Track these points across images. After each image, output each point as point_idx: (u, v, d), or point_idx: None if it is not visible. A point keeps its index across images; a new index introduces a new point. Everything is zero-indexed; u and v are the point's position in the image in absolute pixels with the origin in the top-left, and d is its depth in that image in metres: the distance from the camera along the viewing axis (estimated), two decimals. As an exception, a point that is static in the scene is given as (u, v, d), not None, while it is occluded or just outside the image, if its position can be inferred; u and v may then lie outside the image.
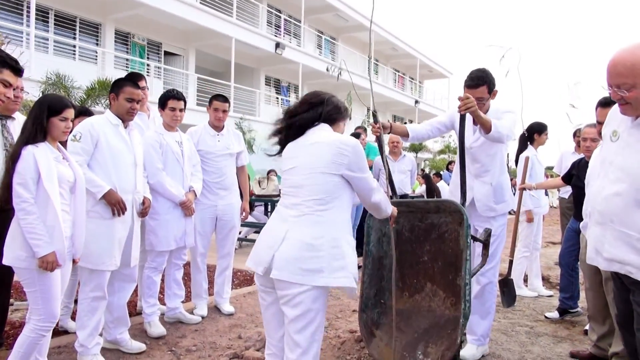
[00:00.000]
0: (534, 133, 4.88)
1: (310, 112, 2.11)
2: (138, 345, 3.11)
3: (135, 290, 3.68)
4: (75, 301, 3.37)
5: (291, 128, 2.13)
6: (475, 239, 2.82)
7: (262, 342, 3.22)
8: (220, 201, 3.90)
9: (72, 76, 9.06)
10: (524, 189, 4.38)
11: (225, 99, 3.96)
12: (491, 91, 2.91)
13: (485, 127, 2.74)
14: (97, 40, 13.20)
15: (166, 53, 15.21)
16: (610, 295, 2.62)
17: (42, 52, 11.40)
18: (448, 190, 3.41)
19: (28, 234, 2.24)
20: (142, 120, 3.72)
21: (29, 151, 2.28)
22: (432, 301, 2.74)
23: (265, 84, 19.26)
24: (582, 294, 3.97)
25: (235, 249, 4.96)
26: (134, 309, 3.80)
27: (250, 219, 7.21)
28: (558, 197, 5.99)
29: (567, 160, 5.11)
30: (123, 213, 2.87)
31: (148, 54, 14.57)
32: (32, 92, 6.42)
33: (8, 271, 2.60)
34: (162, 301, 3.82)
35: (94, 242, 2.74)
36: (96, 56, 12.87)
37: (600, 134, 2.36)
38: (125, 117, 2.98)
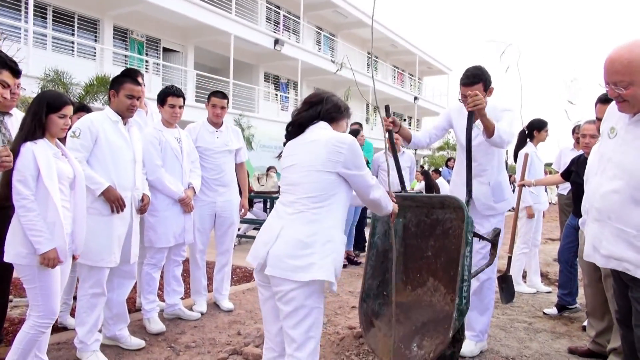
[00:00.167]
0: (534, 130, 4.89)
1: (309, 111, 2.15)
2: (137, 342, 3.12)
3: (135, 287, 3.69)
4: (74, 298, 3.38)
5: (292, 127, 2.17)
6: (482, 237, 2.84)
7: (261, 338, 3.23)
8: (219, 198, 3.90)
9: (70, 72, 9.04)
10: (524, 185, 4.39)
11: (224, 96, 3.95)
12: (487, 88, 2.90)
13: (488, 131, 2.75)
14: (95, 36, 13.16)
15: (165, 49, 15.16)
16: (610, 291, 2.62)
17: (41, 49, 11.37)
18: (448, 189, 3.41)
19: (29, 230, 2.24)
20: (140, 116, 3.72)
21: (27, 148, 2.28)
22: (433, 296, 2.76)
23: (264, 81, 19.22)
24: (581, 291, 3.98)
25: (234, 245, 4.96)
26: (133, 306, 3.81)
27: (249, 215, 7.22)
28: (557, 193, 6.00)
29: (565, 156, 5.12)
30: (122, 210, 2.87)
31: (147, 51, 14.52)
32: (30, 89, 6.40)
33: (7, 268, 2.60)
34: (161, 298, 3.82)
35: (93, 239, 2.74)
36: (95, 52, 12.83)
37: (599, 130, 2.36)
38: (126, 114, 2.98)
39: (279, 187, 7.17)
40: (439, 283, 2.76)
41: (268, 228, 2.07)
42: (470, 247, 2.54)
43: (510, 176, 3.72)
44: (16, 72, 2.32)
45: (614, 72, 1.83)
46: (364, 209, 7.07)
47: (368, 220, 9.92)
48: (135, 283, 3.46)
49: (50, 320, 2.34)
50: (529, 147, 4.83)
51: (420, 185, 11.65)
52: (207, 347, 3.20)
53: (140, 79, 3.60)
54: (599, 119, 2.67)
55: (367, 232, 7.11)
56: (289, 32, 19.60)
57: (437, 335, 2.54)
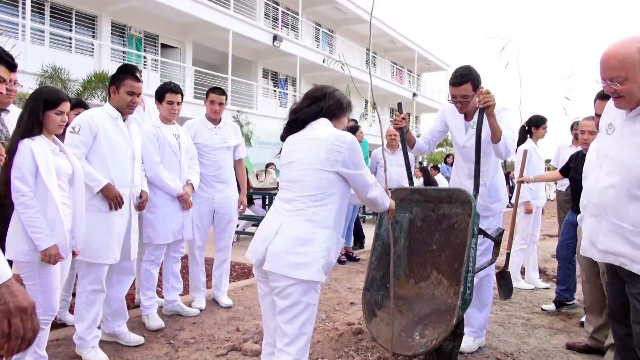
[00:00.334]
0: (533, 126, 4.89)
1: (312, 107, 2.14)
2: (136, 338, 3.12)
3: (133, 284, 3.68)
4: (73, 294, 3.37)
5: (294, 124, 2.16)
6: (486, 235, 2.86)
7: (259, 334, 3.23)
8: (218, 194, 3.90)
9: (68, 69, 9.00)
10: (523, 181, 4.39)
11: (222, 92, 3.94)
12: (476, 88, 2.88)
13: (496, 136, 2.76)
14: (93, 32, 13.11)
15: (163, 45, 15.11)
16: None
17: (38, 45, 11.33)
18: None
19: (29, 227, 2.24)
20: (138, 112, 3.71)
21: (25, 145, 2.27)
22: (435, 289, 2.80)
23: (263, 77, 19.19)
24: (579, 287, 4.00)
25: (233, 242, 4.96)
26: (132, 302, 3.82)
27: (248, 212, 7.21)
28: (555, 190, 6.02)
29: (564, 153, 5.13)
30: (120, 207, 2.87)
31: (145, 47, 14.47)
32: (27, 85, 6.37)
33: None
34: (160, 294, 3.83)
35: (92, 236, 2.73)
36: (92, 48, 12.78)
37: (598, 126, 2.37)
38: (126, 110, 2.97)
39: (278, 183, 7.16)
40: (443, 276, 2.79)
41: (267, 224, 2.08)
42: (476, 238, 2.57)
43: (509, 172, 3.72)
44: (12, 67, 2.31)
45: (609, 68, 1.83)
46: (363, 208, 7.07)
47: (368, 218, 9.96)
48: (134, 279, 3.46)
49: (49, 316, 2.35)
50: (529, 143, 4.83)
51: (418, 182, 11.65)
52: (206, 343, 3.21)
53: (138, 75, 3.59)
54: (598, 115, 2.67)
55: (364, 227, 7.14)
56: (287, 28, 19.55)
57: (439, 325, 2.57)
